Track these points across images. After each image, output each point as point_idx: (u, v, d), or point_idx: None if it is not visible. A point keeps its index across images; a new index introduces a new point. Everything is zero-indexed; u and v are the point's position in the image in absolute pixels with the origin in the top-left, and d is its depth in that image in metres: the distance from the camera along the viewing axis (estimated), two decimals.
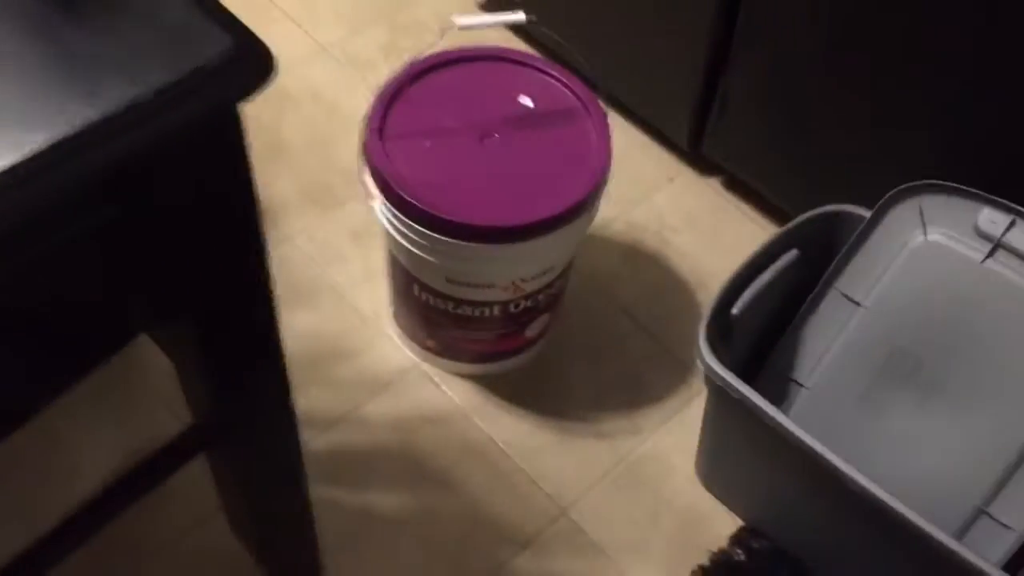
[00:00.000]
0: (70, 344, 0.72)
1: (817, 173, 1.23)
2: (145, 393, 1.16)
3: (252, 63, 0.49)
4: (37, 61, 0.48)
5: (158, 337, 0.87)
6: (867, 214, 1.03)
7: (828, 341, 1.07)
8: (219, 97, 0.49)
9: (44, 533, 0.84)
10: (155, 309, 0.70)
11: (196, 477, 0.96)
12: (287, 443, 0.82)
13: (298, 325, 1.25)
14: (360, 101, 1.04)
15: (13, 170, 0.45)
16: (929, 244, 1.01)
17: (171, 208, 0.55)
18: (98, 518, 0.87)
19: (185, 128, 0.49)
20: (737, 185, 1.39)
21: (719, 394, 0.99)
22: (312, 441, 1.15)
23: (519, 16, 0.97)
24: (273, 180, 1.38)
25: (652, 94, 1.37)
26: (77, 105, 0.47)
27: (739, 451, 1.07)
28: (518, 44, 1.50)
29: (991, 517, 0.98)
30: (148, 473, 0.87)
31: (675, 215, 1.38)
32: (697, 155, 1.39)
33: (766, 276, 1.02)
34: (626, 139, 1.44)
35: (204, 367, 0.71)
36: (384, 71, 1.07)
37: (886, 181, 1.02)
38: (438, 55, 1.08)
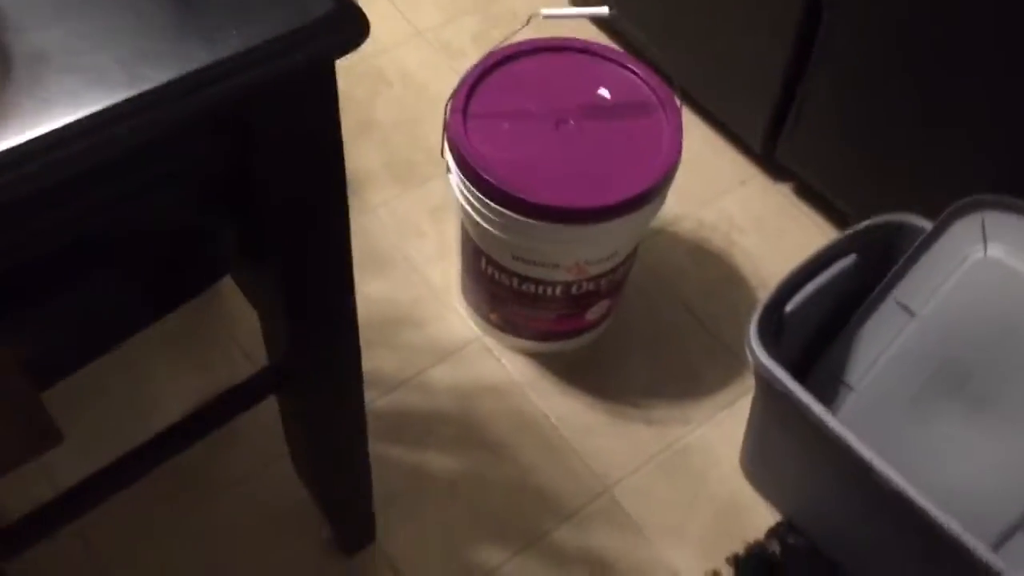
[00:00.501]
0: (168, 272, 0.80)
1: (888, 183, 1.25)
2: (225, 342, 1.24)
3: (350, 25, 0.55)
4: (162, 7, 0.55)
5: (243, 281, 0.94)
6: (928, 225, 1.05)
7: (881, 347, 1.09)
8: (319, 52, 0.55)
9: (122, 455, 0.91)
10: (245, 247, 0.76)
11: (267, 422, 1.04)
12: (352, 390, 0.88)
13: (372, 291, 1.31)
14: (449, 85, 1.10)
15: (135, 99, 0.51)
16: (988, 260, 1.02)
17: (266, 149, 0.61)
18: (173, 446, 0.95)
19: (287, 76, 0.55)
20: (807, 192, 1.41)
21: (766, 388, 1.02)
22: (376, 400, 1.22)
23: (602, 10, 1.02)
24: (362, 154, 1.45)
25: (731, 98, 1.41)
26: (196, 48, 0.53)
27: (783, 446, 1.10)
28: (605, 40, 1.54)
29: None
30: (223, 408, 0.94)
31: (744, 217, 1.41)
32: (770, 160, 1.41)
33: (823, 278, 1.05)
34: (702, 140, 1.48)
35: (283, 309, 0.77)
36: (474, 58, 1.13)
37: (955, 194, 1.04)
38: (525, 43, 1.14)
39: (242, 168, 0.64)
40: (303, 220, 0.66)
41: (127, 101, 0.51)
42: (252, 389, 0.90)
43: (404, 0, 1.64)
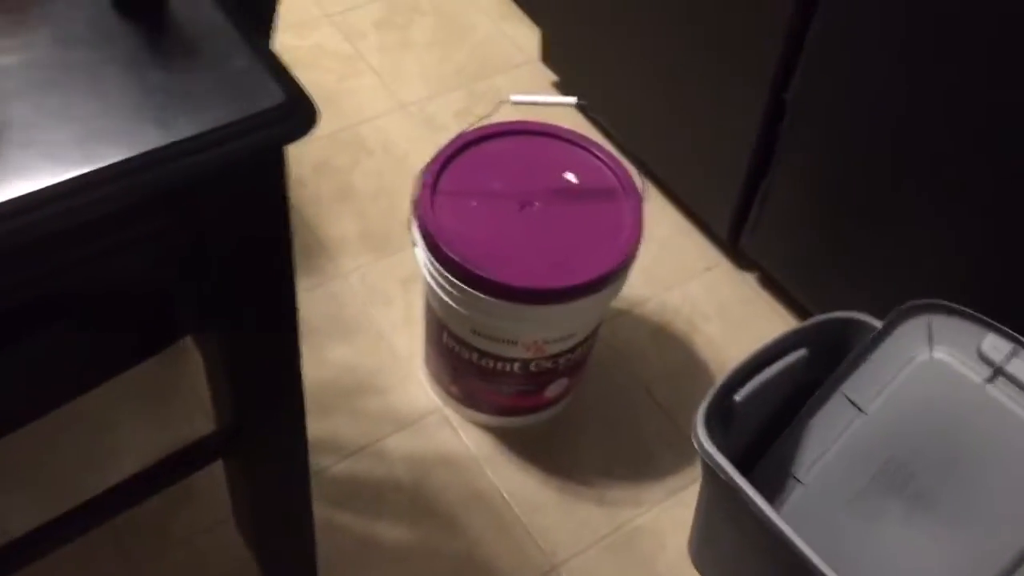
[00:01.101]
0: (124, 331, 0.82)
1: (846, 280, 1.28)
2: (188, 399, 1.26)
3: (298, 116, 0.58)
4: (123, 89, 0.58)
5: (202, 345, 0.96)
6: (878, 324, 1.08)
7: (828, 441, 1.10)
8: (267, 141, 0.58)
9: (73, 507, 0.92)
10: (199, 313, 0.79)
11: (223, 480, 1.05)
12: (296, 459, 0.89)
13: (337, 356, 1.33)
14: (429, 158, 1.14)
15: (86, 176, 0.54)
16: (933, 362, 1.05)
17: (216, 227, 0.64)
18: (121, 502, 0.96)
19: (235, 161, 0.58)
20: (771, 282, 1.44)
21: (711, 476, 1.03)
22: (332, 466, 1.23)
23: (570, 99, 1.06)
24: (338, 220, 1.48)
25: (698, 186, 1.45)
26: (149, 130, 0.56)
27: (727, 535, 1.11)
28: (583, 124, 1.59)
29: None
30: (170, 469, 0.95)
31: (708, 303, 1.44)
32: (736, 249, 1.45)
33: (772, 370, 1.07)
34: (672, 224, 1.51)
35: (229, 376, 0.79)
36: (456, 133, 1.17)
37: (911, 293, 1.07)
38: (497, 125, 1.17)
39: (195, 239, 0.67)
40: (250, 295, 0.69)
41: (79, 177, 0.54)
42: (199, 452, 0.91)
43: (391, 73, 1.68)
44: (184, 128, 0.56)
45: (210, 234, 0.64)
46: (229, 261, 0.66)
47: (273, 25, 0.78)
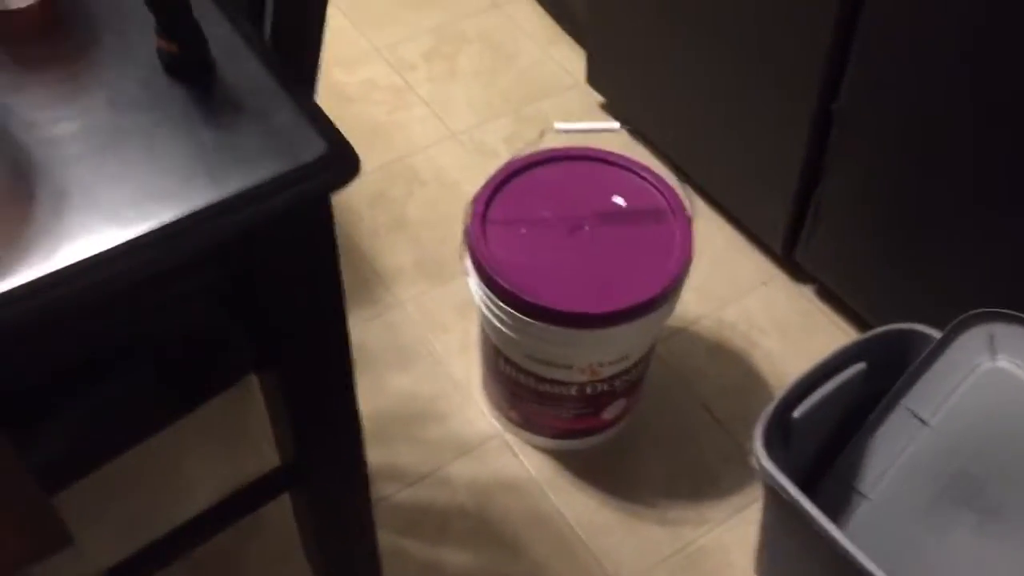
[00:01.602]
0: (191, 374, 0.85)
1: (903, 290, 1.26)
2: (256, 433, 1.29)
3: (341, 164, 0.60)
4: (175, 148, 0.60)
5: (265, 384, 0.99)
6: (937, 335, 1.06)
7: (893, 455, 1.09)
8: (313, 190, 0.60)
9: (148, 543, 0.96)
10: (256, 354, 0.81)
11: (290, 511, 1.07)
12: (356, 491, 0.91)
13: (396, 385, 1.35)
14: (480, 185, 1.16)
15: (147, 236, 0.57)
16: (997, 370, 1.03)
17: (268, 274, 0.66)
18: (199, 535, 0.99)
19: (282, 212, 0.60)
20: (829, 295, 1.43)
21: (773, 495, 1.02)
22: (395, 494, 1.25)
23: (614, 125, 1.06)
24: (393, 250, 1.51)
25: (751, 201, 1.44)
26: (201, 188, 0.58)
27: (793, 553, 1.10)
28: (633, 145, 1.59)
29: None
30: (239, 504, 0.98)
31: (765, 318, 1.43)
32: (791, 262, 1.44)
33: (830, 385, 1.06)
34: (725, 240, 1.51)
35: (286, 411, 0.82)
36: (506, 158, 1.18)
37: (970, 302, 1.05)
38: (544, 152, 1.19)
39: (248, 286, 0.69)
40: (302, 336, 0.71)
41: (138, 238, 0.56)
42: (265, 486, 0.93)
43: (440, 103, 1.71)
44: (233, 184, 0.58)
45: (261, 280, 0.66)
46: (281, 305, 0.68)
47: (316, 72, 0.80)
